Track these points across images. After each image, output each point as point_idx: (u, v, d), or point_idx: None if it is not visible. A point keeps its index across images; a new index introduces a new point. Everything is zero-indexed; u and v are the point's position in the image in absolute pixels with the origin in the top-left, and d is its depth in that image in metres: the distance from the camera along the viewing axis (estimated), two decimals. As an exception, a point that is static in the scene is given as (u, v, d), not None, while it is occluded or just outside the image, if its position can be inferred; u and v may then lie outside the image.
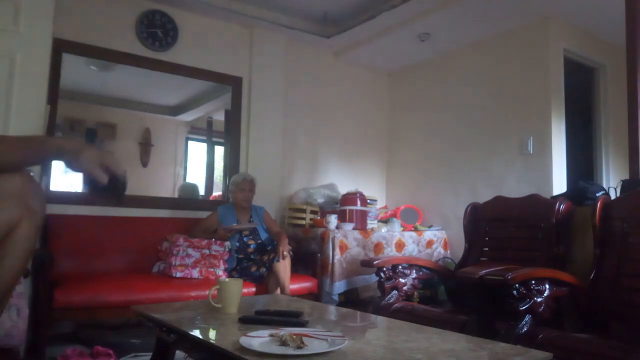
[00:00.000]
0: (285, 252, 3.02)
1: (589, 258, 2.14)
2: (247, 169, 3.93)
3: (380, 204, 4.73)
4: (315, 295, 3.24)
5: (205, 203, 3.94)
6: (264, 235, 3.34)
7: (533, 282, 1.91)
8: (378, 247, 3.64)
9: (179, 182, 3.94)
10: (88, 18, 3.40)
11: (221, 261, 3.04)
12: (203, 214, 3.46)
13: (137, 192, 3.47)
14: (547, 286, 1.95)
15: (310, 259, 3.39)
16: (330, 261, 3.36)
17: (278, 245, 3.10)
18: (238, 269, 3.15)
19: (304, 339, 1.21)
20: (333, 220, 3.55)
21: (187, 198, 3.89)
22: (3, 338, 1.79)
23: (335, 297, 3.35)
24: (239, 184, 3.39)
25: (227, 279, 1.75)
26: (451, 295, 2.79)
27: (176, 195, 3.87)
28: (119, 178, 1.14)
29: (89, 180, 1.13)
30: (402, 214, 4.20)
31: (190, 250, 3.00)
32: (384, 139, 4.98)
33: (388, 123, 5.00)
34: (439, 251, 4.02)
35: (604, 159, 4.07)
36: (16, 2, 2.48)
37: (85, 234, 3.06)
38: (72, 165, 1.11)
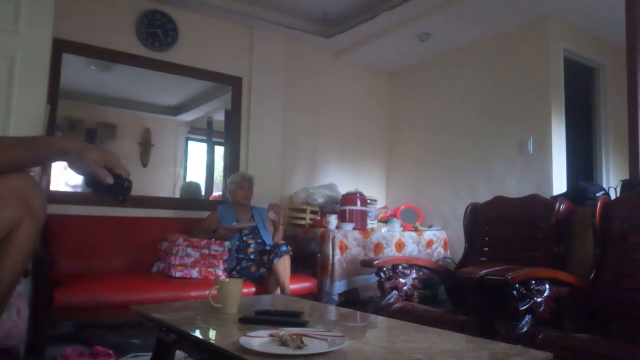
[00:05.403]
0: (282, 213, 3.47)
1: (589, 258, 2.14)
2: (247, 169, 3.93)
3: (380, 204, 4.73)
4: (315, 295, 3.24)
5: (205, 203, 3.93)
6: (264, 235, 3.34)
7: (533, 282, 1.91)
8: (378, 247, 3.64)
9: (179, 182, 3.94)
10: (88, 18, 3.40)
11: (220, 261, 3.04)
12: (203, 214, 3.46)
13: (137, 192, 3.46)
14: (547, 286, 1.95)
15: (310, 259, 3.39)
16: (330, 261, 3.36)
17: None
18: (238, 269, 3.15)
19: (304, 339, 1.21)
20: (333, 220, 3.55)
21: (189, 198, 3.89)
22: (3, 338, 1.79)
23: (335, 297, 3.35)
24: (239, 182, 3.39)
25: (227, 279, 1.75)
26: (451, 295, 2.79)
27: (176, 195, 3.87)
28: (123, 178, 1.13)
29: (92, 181, 1.11)
30: (402, 214, 4.20)
31: (189, 250, 2.99)
32: (384, 139, 4.98)
33: (388, 123, 5.00)
34: (439, 251, 4.02)
35: (604, 159, 4.07)
36: (16, 2, 2.48)
37: (86, 234, 3.07)
38: (75, 166, 1.09)
